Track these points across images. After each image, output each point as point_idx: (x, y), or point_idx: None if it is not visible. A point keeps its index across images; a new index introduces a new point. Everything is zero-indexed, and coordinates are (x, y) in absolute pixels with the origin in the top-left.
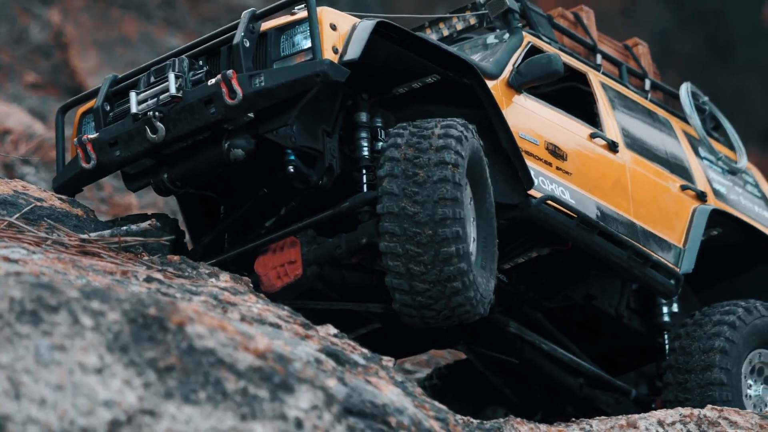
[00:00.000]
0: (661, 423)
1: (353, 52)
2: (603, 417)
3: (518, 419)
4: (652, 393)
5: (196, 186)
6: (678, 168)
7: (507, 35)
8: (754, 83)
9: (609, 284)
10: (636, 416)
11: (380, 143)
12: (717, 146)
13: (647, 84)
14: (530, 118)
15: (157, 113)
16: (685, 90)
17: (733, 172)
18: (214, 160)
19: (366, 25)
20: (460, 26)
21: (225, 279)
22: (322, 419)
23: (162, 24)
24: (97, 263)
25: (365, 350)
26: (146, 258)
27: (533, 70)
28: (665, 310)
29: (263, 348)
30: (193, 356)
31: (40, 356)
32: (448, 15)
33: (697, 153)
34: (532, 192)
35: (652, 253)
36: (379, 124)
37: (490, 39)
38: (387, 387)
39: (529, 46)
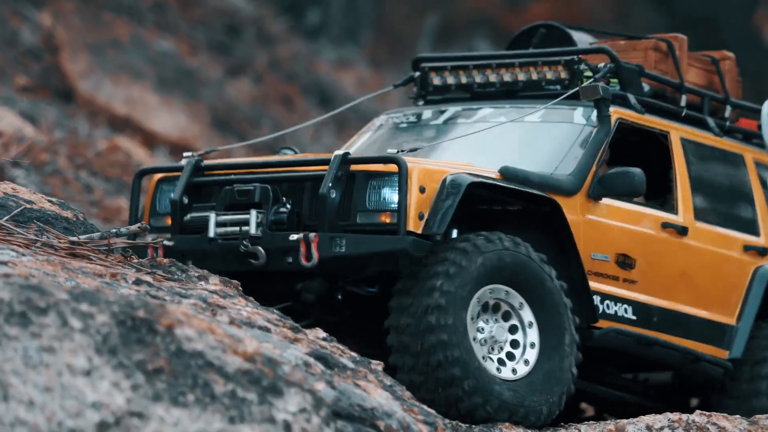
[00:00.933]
0: (649, 428)
1: (439, 227)
2: (591, 422)
3: (507, 424)
4: None
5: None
6: (744, 223)
7: (595, 116)
8: (746, 89)
9: None
10: (624, 421)
11: None
12: None
13: (727, 110)
14: (604, 230)
15: (245, 242)
16: (766, 113)
17: None
18: (284, 294)
19: (456, 192)
20: (549, 75)
21: (214, 282)
22: (310, 422)
23: (153, 27)
24: (86, 265)
25: (354, 354)
26: (136, 261)
27: (615, 187)
28: None
29: (252, 351)
30: (181, 359)
31: (29, 358)
32: (543, 60)
33: (765, 185)
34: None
35: (706, 350)
36: (454, 237)
37: (578, 117)
38: (376, 391)
39: (617, 124)
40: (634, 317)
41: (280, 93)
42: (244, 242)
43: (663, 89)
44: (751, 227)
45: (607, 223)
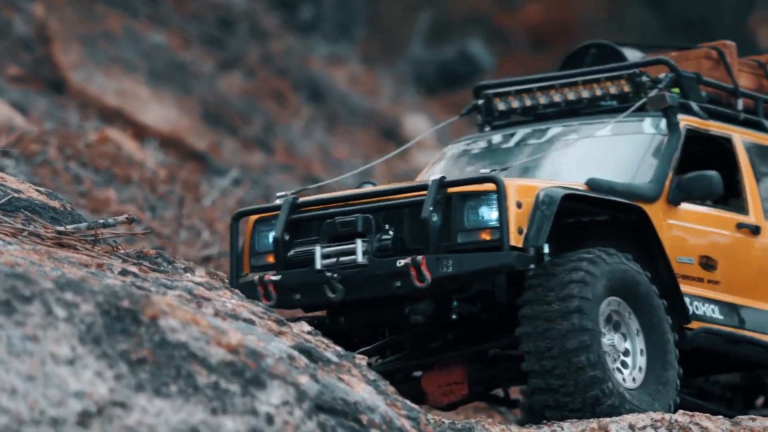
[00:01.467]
0: (632, 427)
1: (540, 239)
2: (575, 420)
3: (489, 420)
4: None
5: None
6: None
7: (663, 125)
8: None
9: None
10: (607, 420)
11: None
12: None
13: None
14: (686, 234)
15: (337, 275)
16: None
17: None
18: (392, 320)
19: (551, 205)
20: (613, 90)
21: (200, 274)
22: (293, 415)
23: (146, 20)
24: (72, 255)
25: (339, 348)
26: (122, 251)
27: (694, 190)
28: None
29: (236, 343)
30: (165, 349)
31: (12, 346)
32: (605, 76)
33: None
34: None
35: None
36: (546, 251)
37: (647, 127)
38: (359, 385)
39: (685, 131)
40: (721, 317)
41: (272, 88)
42: (335, 276)
43: (718, 95)
44: None
45: (688, 227)
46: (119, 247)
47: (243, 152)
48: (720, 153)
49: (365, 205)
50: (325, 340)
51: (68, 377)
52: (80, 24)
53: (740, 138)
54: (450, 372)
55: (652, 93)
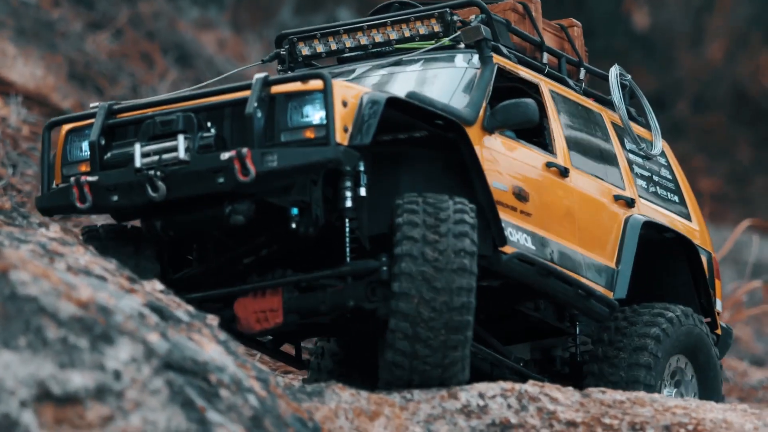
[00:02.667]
0: (482, 395)
1: (366, 137)
2: (423, 388)
3: (339, 385)
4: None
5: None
6: (611, 174)
7: (476, 59)
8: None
9: None
10: (457, 388)
11: (361, 188)
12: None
13: (582, 73)
14: (500, 161)
15: (159, 172)
16: (614, 75)
17: (649, 158)
18: (212, 221)
19: (376, 105)
20: (422, 30)
21: (55, 230)
22: (140, 372)
23: None
24: None
25: (190, 308)
26: None
27: (510, 117)
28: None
29: (86, 298)
30: (15, 303)
31: None
32: (415, 15)
33: (623, 146)
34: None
35: (595, 287)
36: (361, 169)
37: (459, 61)
38: (209, 345)
39: (496, 69)
40: (533, 247)
41: (140, 50)
42: (158, 174)
43: (523, 48)
44: (616, 179)
45: (502, 154)
46: None
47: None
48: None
49: (185, 106)
50: (177, 300)
51: None
52: None
53: (547, 87)
54: (265, 298)
55: (468, 26)
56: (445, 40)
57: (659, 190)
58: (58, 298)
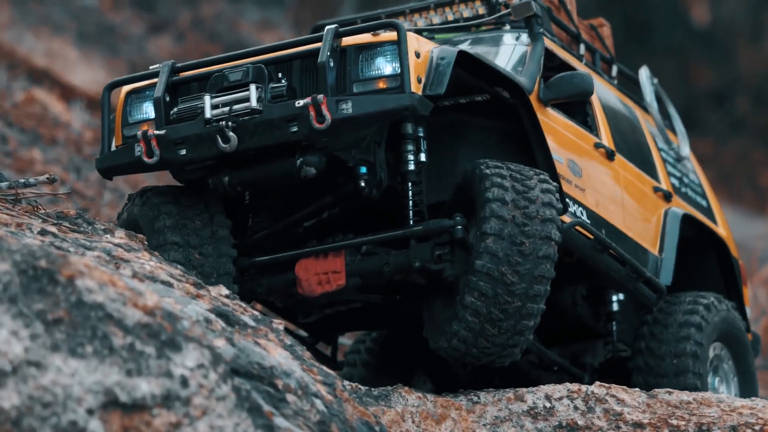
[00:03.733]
0: (548, 397)
1: (439, 87)
2: (492, 389)
3: (406, 388)
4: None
5: (254, 191)
6: (649, 167)
7: (525, 38)
8: (670, 66)
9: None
10: (524, 390)
11: (422, 154)
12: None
13: (614, 70)
14: (554, 133)
15: (231, 123)
16: (646, 76)
17: (679, 160)
18: (283, 174)
19: (448, 56)
20: (467, 13)
21: (120, 236)
22: (208, 378)
23: None
24: None
25: (256, 312)
26: (42, 211)
27: (565, 89)
28: (614, 298)
29: (152, 305)
30: (81, 310)
31: None
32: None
33: (656, 145)
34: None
35: (645, 270)
36: (422, 134)
37: (507, 39)
38: (275, 350)
39: (545, 51)
40: (589, 221)
41: (202, 52)
42: (229, 124)
43: (560, 39)
44: (653, 172)
45: (556, 128)
46: (40, 207)
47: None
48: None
49: (254, 60)
50: (243, 304)
51: None
52: None
53: (588, 74)
54: (328, 260)
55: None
56: (495, 17)
57: (689, 192)
58: (124, 305)
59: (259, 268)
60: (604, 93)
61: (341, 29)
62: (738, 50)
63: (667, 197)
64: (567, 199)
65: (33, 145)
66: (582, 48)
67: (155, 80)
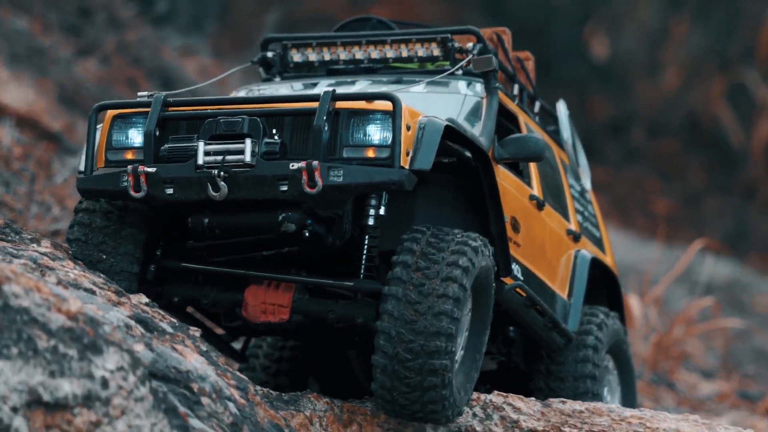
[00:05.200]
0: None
1: (426, 164)
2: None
3: (315, 394)
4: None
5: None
6: (563, 208)
7: (479, 88)
8: (571, 98)
9: None
10: None
11: (382, 208)
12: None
13: (537, 106)
14: (503, 192)
15: (222, 173)
16: (564, 112)
17: (582, 194)
18: (263, 226)
19: (436, 131)
20: (421, 53)
21: (46, 245)
22: (127, 380)
23: (9, 5)
24: None
25: (173, 319)
26: None
27: (519, 151)
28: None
29: (75, 310)
30: (8, 314)
31: None
32: (416, 37)
33: (568, 182)
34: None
35: (560, 321)
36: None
37: (462, 87)
38: (192, 355)
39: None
40: (522, 278)
41: (126, 75)
42: (221, 174)
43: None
44: (566, 213)
45: (505, 186)
46: None
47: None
48: (505, 130)
49: (248, 108)
50: (162, 312)
51: None
52: None
53: (523, 119)
54: (277, 291)
55: (480, 56)
56: (457, 67)
57: (589, 226)
58: (48, 310)
59: (189, 274)
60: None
61: (337, 93)
62: (635, 84)
63: (576, 238)
64: (511, 259)
65: None
66: (516, 89)
67: (143, 109)
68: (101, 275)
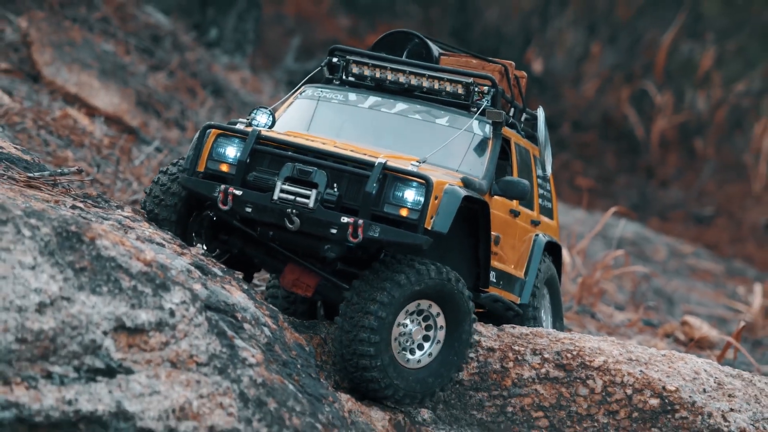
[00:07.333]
0: None
1: (444, 228)
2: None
3: (329, 321)
4: None
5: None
6: (531, 203)
7: (488, 129)
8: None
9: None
10: None
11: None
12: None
13: (523, 116)
14: (493, 218)
15: (295, 211)
16: (542, 119)
17: (545, 179)
18: (311, 249)
19: (455, 201)
20: (449, 88)
21: (128, 211)
22: (188, 311)
23: (100, 33)
24: (37, 194)
25: (223, 265)
26: (73, 193)
27: (510, 192)
28: None
29: (150, 258)
30: (100, 261)
31: None
32: (448, 77)
33: (536, 174)
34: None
35: (514, 303)
36: None
37: (476, 128)
38: (236, 292)
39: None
40: (495, 281)
41: (187, 85)
42: (294, 211)
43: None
44: (532, 206)
45: (494, 212)
46: (71, 189)
47: (164, 129)
48: (501, 150)
49: (318, 159)
50: (214, 260)
51: (30, 278)
52: (53, 34)
53: (515, 141)
54: (309, 275)
55: (493, 108)
56: (476, 112)
57: (544, 201)
58: (130, 258)
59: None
60: (519, 154)
61: (387, 165)
62: (563, 92)
63: (536, 224)
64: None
65: (67, 148)
66: (512, 111)
67: (239, 135)
68: (169, 233)
